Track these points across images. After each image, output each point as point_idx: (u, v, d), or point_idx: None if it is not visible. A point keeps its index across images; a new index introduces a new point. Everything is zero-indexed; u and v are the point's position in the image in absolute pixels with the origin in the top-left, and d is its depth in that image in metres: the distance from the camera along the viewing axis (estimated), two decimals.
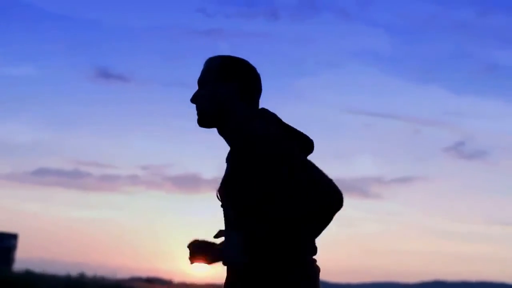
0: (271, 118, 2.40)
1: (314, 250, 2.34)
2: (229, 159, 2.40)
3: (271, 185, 2.25)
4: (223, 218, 2.43)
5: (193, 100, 2.49)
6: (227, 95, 2.44)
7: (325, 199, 2.16)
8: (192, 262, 2.36)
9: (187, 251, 2.37)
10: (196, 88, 2.52)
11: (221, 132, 2.47)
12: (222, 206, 2.43)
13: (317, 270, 2.34)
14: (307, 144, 2.41)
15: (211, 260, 2.34)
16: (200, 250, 2.34)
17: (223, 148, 2.48)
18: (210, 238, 2.38)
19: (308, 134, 2.45)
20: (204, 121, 2.48)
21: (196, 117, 2.49)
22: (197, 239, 2.37)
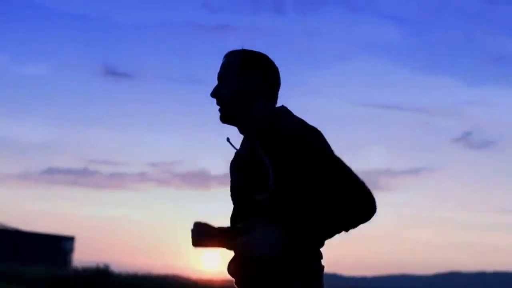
0: (294, 115, 2.38)
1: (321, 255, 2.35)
2: (249, 153, 2.37)
3: (312, 182, 2.24)
4: (239, 210, 2.40)
5: (213, 94, 2.43)
6: (250, 90, 2.39)
7: (366, 207, 2.23)
8: (195, 246, 2.32)
9: (190, 235, 2.32)
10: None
11: (242, 128, 2.43)
12: (235, 198, 2.42)
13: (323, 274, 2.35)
14: None
15: (215, 245, 2.32)
16: (204, 235, 2.30)
17: (234, 143, 2.45)
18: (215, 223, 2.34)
19: (318, 127, 2.45)
20: (227, 118, 2.42)
21: (218, 113, 2.43)
22: (200, 221, 2.33)
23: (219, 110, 2.42)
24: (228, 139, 2.44)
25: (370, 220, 2.27)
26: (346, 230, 2.27)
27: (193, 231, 2.34)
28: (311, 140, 2.25)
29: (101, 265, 24.70)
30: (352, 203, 2.20)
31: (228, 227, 2.37)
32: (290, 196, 2.24)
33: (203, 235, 2.31)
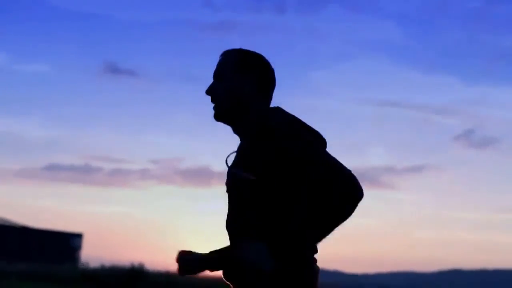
0: (288, 114, 2.40)
1: (316, 249, 2.34)
2: (242, 151, 2.40)
3: (295, 180, 2.27)
4: (228, 212, 2.43)
5: (208, 92, 2.46)
6: (245, 88, 2.42)
7: (347, 194, 2.21)
8: (181, 275, 2.39)
9: (176, 264, 2.39)
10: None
11: (236, 127, 2.45)
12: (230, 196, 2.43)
13: (317, 269, 2.33)
14: (321, 141, 2.40)
15: (201, 271, 2.39)
16: (189, 263, 2.37)
17: (234, 140, 2.48)
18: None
19: (320, 125, 2.44)
20: (221, 115, 2.44)
21: (213, 111, 2.45)
22: (184, 250, 2.40)
23: (214, 107, 2.45)
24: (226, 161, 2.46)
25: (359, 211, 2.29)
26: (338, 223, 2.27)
27: (178, 263, 2.38)
28: (298, 141, 2.27)
29: (136, 264, 24.68)
30: (342, 195, 2.20)
31: (211, 252, 2.39)
32: (272, 196, 2.27)
33: (188, 265, 2.37)
